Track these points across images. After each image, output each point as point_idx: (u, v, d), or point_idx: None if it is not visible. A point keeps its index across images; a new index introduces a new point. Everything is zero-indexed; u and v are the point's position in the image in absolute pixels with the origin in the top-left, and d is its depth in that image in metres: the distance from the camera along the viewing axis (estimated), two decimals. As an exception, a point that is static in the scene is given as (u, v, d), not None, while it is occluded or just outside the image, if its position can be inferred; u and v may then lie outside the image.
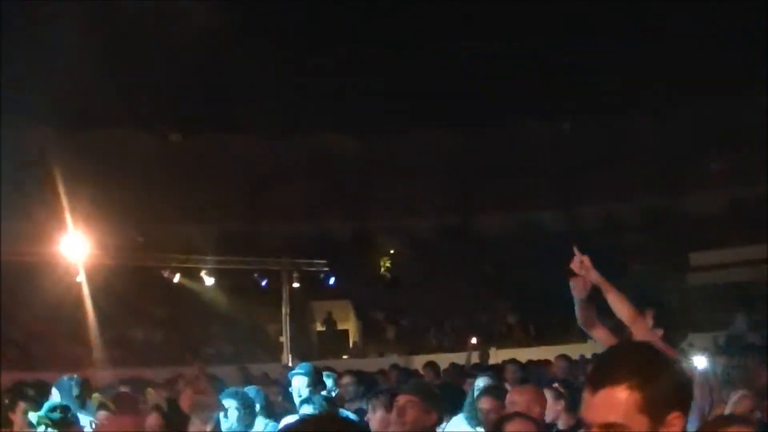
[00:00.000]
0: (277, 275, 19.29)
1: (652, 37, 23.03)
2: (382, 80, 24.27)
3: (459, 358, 12.98)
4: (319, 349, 21.97)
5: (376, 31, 24.45)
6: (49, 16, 19.32)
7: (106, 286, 17.65)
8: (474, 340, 15.43)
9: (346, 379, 7.49)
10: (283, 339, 18.80)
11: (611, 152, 26.00)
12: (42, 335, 19.61)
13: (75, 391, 6.57)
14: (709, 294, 21.34)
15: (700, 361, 6.50)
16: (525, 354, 13.63)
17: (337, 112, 24.81)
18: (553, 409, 5.27)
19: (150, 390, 7.43)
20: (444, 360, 11.70)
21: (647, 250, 24.62)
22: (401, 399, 4.49)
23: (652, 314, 4.86)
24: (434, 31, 24.39)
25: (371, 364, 15.34)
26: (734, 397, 4.88)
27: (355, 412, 6.38)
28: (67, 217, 16.02)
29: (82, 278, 16.39)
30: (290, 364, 15.23)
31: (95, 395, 6.64)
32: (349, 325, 24.30)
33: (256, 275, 20.36)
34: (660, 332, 4.83)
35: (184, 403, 5.45)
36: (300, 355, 17.44)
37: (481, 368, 9.84)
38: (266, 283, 20.27)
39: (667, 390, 1.94)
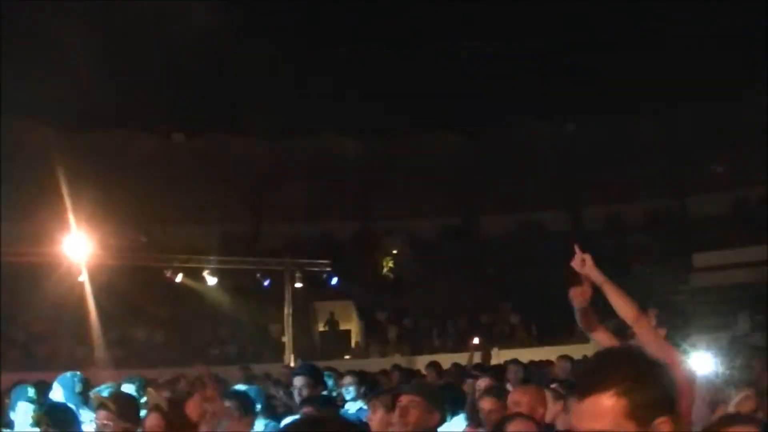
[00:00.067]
0: (279, 275, 19.30)
1: (653, 38, 22.98)
2: (383, 80, 24.23)
3: (461, 358, 12.96)
4: (322, 350, 21.97)
5: (376, 31, 24.42)
6: (50, 16, 19.32)
7: (108, 286, 17.67)
8: (476, 341, 15.41)
9: (348, 380, 7.48)
10: (285, 339, 18.81)
11: (613, 153, 25.96)
12: (44, 335, 19.64)
13: (78, 388, 6.55)
14: (711, 295, 21.32)
15: (702, 362, 6.48)
16: (527, 354, 13.62)
17: (338, 112, 24.79)
18: (552, 410, 5.25)
19: (150, 390, 7.41)
20: (447, 360, 11.68)
21: (650, 250, 24.61)
22: (404, 399, 4.48)
23: (655, 314, 4.84)
24: (434, 31, 24.36)
25: (373, 364, 15.34)
26: (737, 397, 4.86)
27: (356, 412, 6.37)
28: (70, 217, 16.04)
29: (84, 278, 16.40)
30: (292, 364, 15.25)
31: (93, 394, 6.62)
32: (352, 326, 24.31)
33: (258, 275, 20.38)
34: (663, 332, 4.81)
35: (192, 410, 5.44)
36: (302, 356, 17.46)
37: (483, 368, 9.82)
38: (269, 284, 20.28)
39: (653, 395, 1.94)
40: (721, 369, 6.54)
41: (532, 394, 4.73)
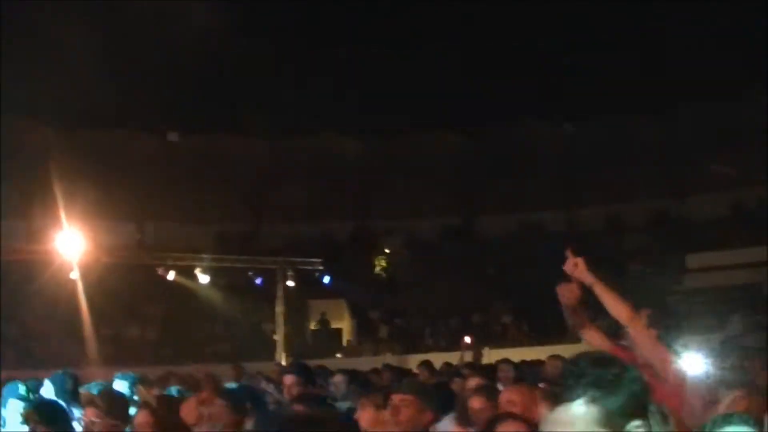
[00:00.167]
0: (272, 274, 19.30)
1: (653, 38, 22.98)
2: (382, 80, 24.24)
3: (453, 357, 12.96)
4: (313, 348, 21.99)
5: (376, 31, 24.43)
6: (46, 15, 19.32)
7: (101, 284, 17.65)
8: (468, 340, 15.39)
9: (338, 378, 7.45)
10: (277, 337, 18.82)
11: (613, 153, 25.96)
12: (37, 333, 19.62)
13: (69, 385, 6.55)
14: (705, 296, 21.33)
15: (695, 362, 6.45)
16: (519, 354, 13.62)
17: (336, 111, 24.78)
18: (540, 410, 5.22)
19: (140, 387, 7.39)
20: (438, 359, 11.65)
21: (648, 251, 24.61)
22: (396, 398, 4.46)
23: (647, 314, 4.82)
24: (434, 31, 24.37)
25: (365, 363, 15.32)
26: (728, 398, 4.83)
27: (347, 410, 6.34)
28: (62, 215, 16.02)
29: (77, 276, 16.38)
30: (284, 363, 15.23)
31: (83, 391, 6.60)
32: (344, 324, 24.32)
33: (250, 273, 20.39)
34: (655, 332, 4.79)
35: (188, 414, 5.41)
36: (294, 354, 17.47)
37: (474, 367, 9.80)
38: (261, 282, 20.29)
39: (625, 401, 1.93)
40: (713, 370, 6.52)
41: (525, 393, 4.70)
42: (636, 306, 4.67)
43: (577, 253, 4.53)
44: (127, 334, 21.30)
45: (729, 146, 24.36)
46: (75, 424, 5.47)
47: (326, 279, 21.10)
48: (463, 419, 5.11)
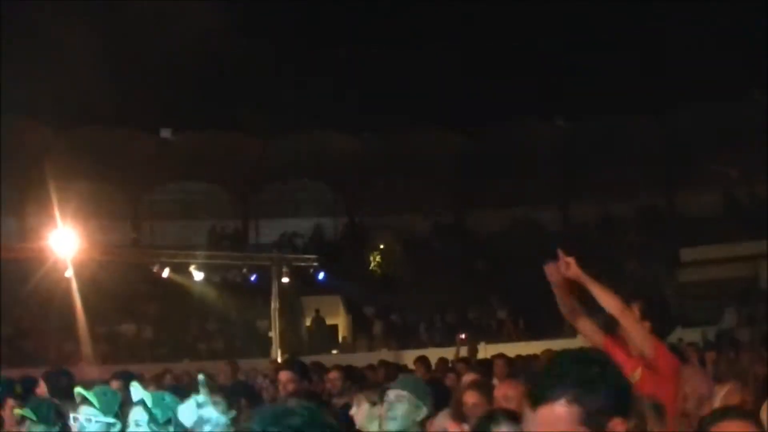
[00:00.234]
0: (267, 271, 19.27)
1: (653, 38, 23.02)
2: (377, 78, 24.24)
3: (449, 353, 12.95)
4: (309, 344, 21.99)
5: (376, 31, 24.46)
6: (46, 15, 19.30)
7: (96, 282, 17.63)
8: (463, 335, 15.39)
9: (334, 374, 7.46)
10: (272, 334, 18.79)
11: (609, 152, 25.96)
12: (32, 331, 19.59)
13: (63, 383, 6.53)
14: (699, 289, 21.40)
15: (688, 355, 6.50)
16: (515, 349, 13.62)
17: (332, 109, 24.76)
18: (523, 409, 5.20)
19: (135, 384, 7.37)
20: (434, 355, 11.66)
21: (641, 246, 24.64)
22: (391, 394, 4.46)
23: (639, 306, 4.83)
24: (434, 31, 24.41)
25: (361, 359, 15.32)
26: (722, 391, 4.85)
27: (342, 407, 6.35)
28: (56, 213, 15.99)
29: (71, 274, 16.34)
30: (279, 360, 15.22)
31: (77, 390, 6.59)
32: (339, 320, 24.32)
33: (244, 270, 20.36)
34: (648, 325, 4.81)
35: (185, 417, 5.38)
36: (289, 350, 17.45)
37: (469, 363, 9.81)
38: (256, 279, 20.27)
39: (606, 398, 1.93)
40: (707, 363, 6.56)
41: (520, 388, 4.70)
42: (630, 299, 4.69)
43: (568, 253, 4.55)
44: (122, 332, 21.27)
45: (729, 146, 24.39)
46: (69, 423, 5.46)
47: (321, 275, 21.08)
48: (458, 415, 5.12)
